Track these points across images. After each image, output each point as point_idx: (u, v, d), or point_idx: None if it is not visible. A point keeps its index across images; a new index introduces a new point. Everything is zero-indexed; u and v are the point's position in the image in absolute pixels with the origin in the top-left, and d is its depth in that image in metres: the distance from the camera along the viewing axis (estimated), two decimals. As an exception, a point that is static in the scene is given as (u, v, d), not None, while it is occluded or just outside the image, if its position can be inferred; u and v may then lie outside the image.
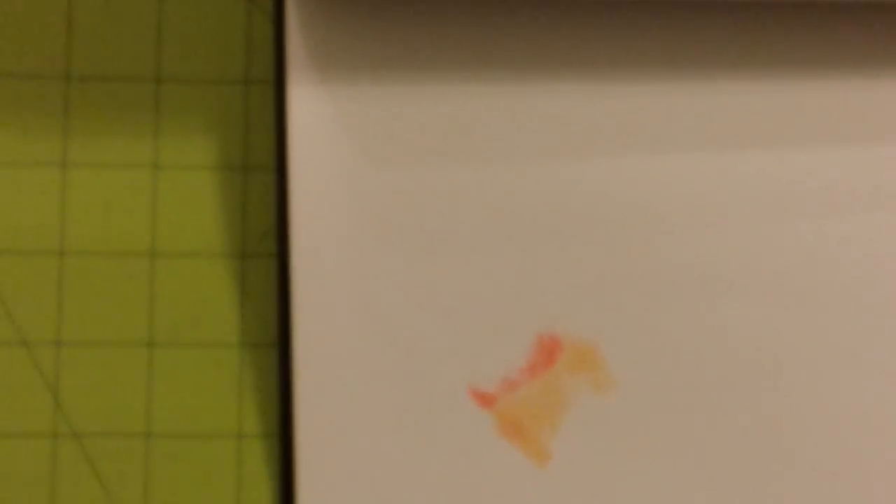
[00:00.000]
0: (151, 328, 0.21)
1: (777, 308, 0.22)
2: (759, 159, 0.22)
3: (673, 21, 0.22)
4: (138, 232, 0.21)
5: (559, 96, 0.22)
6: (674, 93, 0.22)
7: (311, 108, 0.21)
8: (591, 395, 0.21)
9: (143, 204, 0.21)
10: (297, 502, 0.20)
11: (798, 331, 0.22)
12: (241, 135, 0.22)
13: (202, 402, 0.21)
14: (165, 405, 0.21)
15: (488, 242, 0.22)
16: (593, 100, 0.22)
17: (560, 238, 0.22)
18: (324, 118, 0.21)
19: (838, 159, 0.22)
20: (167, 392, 0.21)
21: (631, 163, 0.22)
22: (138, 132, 0.21)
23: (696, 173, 0.22)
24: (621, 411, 0.21)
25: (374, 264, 0.21)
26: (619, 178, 0.22)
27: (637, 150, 0.22)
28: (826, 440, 0.21)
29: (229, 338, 0.21)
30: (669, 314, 0.22)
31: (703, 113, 0.22)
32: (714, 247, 0.22)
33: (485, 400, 0.21)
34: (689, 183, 0.22)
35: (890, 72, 0.22)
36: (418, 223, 0.21)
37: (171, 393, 0.21)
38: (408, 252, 0.21)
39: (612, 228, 0.22)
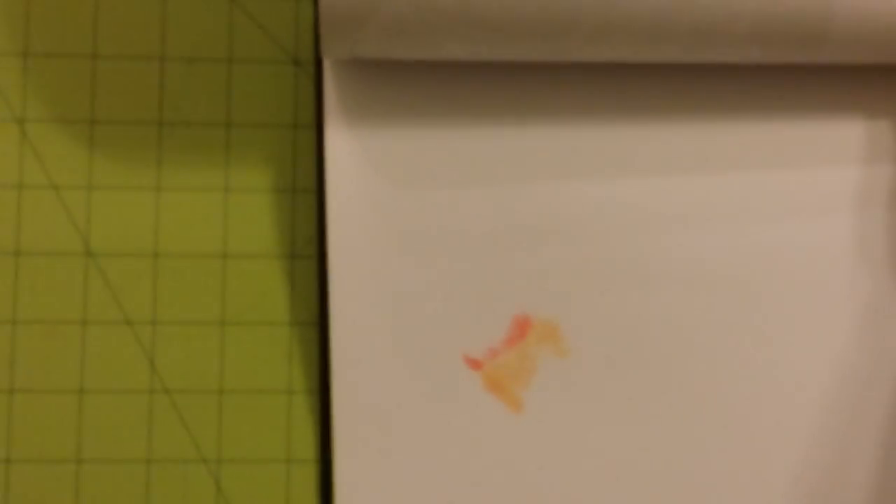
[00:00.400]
0: (224, 311, 0.28)
1: (698, 296, 0.28)
2: (692, 183, 0.28)
3: (636, 79, 0.28)
4: (214, 239, 0.28)
5: (541, 138, 0.28)
6: (634, 132, 0.28)
7: (342, 145, 0.28)
8: (553, 359, 0.28)
9: (218, 218, 0.28)
10: (334, 439, 0.27)
11: (712, 312, 0.28)
12: (290, 166, 0.28)
13: (262, 366, 0.27)
14: (235, 368, 0.27)
15: (479, 248, 0.28)
16: (564, 137, 0.28)
17: (531, 247, 0.28)
18: (352, 153, 0.28)
19: (750, 182, 0.29)
20: (236, 359, 0.27)
21: (592, 190, 0.28)
22: (213, 164, 0.28)
23: (642, 197, 0.28)
24: (575, 372, 0.28)
25: (392, 264, 0.27)
26: (581, 203, 0.28)
27: (598, 179, 0.28)
28: (729, 389, 0.28)
29: (282, 318, 0.28)
30: (612, 301, 0.28)
31: (655, 145, 0.28)
32: (649, 250, 0.28)
33: (474, 364, 0.27)
34: (634, 205, 0.28)
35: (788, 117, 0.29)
36: (425, 233, 0.28)
37: (239, 359, 0.27)
38: (417, 254, 0.28)
39: (571, 241, 0.28)
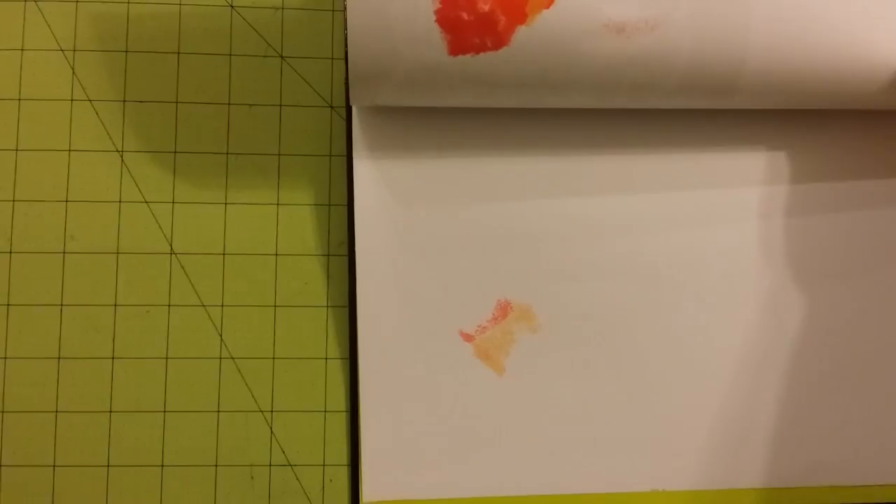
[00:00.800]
0: (276, 297, 0.35)
1: (637, 286, 0.34)
2: (633, 199, 0.34)
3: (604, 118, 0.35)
4: (268, 242, 0.35)
5: (515, 165, 0.34)
6: (590, 161, 0.34)
7: (366, 171, 0.34)
8: (527, 334, 0.34)
9: (271, 226, 0.36)
10: (360, 394, 0.34)
11: (647, 298, 0.34)
12: (326, 185, 0.36)
13: (305, 339, 0.35)
14: (284, 341, 0.35)
15: (471, 250, 0.34)
16: (533, 164, 0.34)
17: (511, 249, 0.34)
18: (373, 177, 0.34)
19: (678, 198, 0.35)
20: (285, 334, 0.35)
21: (557, 206, 0.34)
22: (268, 184, 0.35)
23: (595, 211, 0.34)
24: (544, 343, 0.34)
25: (404, 261, 0.34)
26: (549, 216, 0.34)
27: (561, 198, 0.34)
28: (659, 355, 0.34)
29: (320, 302, 0.35)
30: (572, 289, 0.34)
31: (604, 171, 0.34)
32: (600, 252, 0.34)
33: (467, 337, 0.34)
34: (588, 217, 0.34)
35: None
36: (429, 238, 0.34)
37: (287, 334, 0.35)
38: (424, 254, 0.34)
39: (542, 245, 0.34)
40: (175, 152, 0.35)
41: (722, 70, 0.30)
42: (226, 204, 0.35)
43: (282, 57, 0.36)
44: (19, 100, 0.35)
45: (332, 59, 0.36)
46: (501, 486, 0.34)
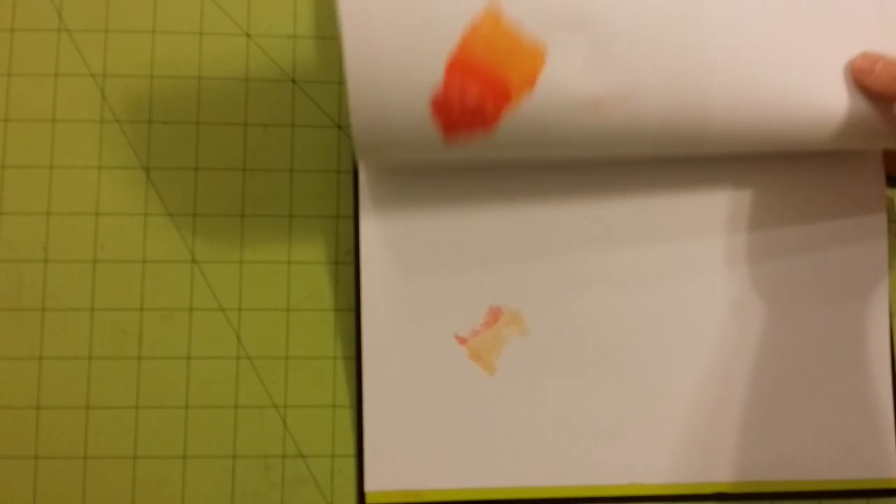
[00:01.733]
0: (289, 301, 0.38)
1: (616, 298, 0.37)
2: (606, 219, 0.37)
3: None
4: (281, 250, 0.38)
5: (509, 211, 0.37)
6: (584, 204, 0.37)
7: (371, 228, 0.37)
8: (517, 337, 0.37)
9: (284, 234, 0.39)
10: (364, 391, 0.37)
11: (624, 310, 0.37)
12: (335, 198, 0.39)
13: (315, 340, 0.38)
14: (296, 341, 0.38)
15: (465, 263, 0.37)
16: (532, 204, 0.37)
17: (502, 262, 0.37)
18: (377, 230, 0.37)
19: (643, 222, 0.37)
20: (297, 335, 0.38)
21: (555, 222, 0.37)
22: (281, 198, 0.38)
23: (571, 231, 0.37)
24: (532, 346, 0.37)
25: (403, 274, 0.37)
26: (544, 232, 0.37)
27: (559, 216, 0.37)
28: (635, 359, 0.37)
29: (329, 306, 0.38)
30: (556, 297, 0.37)
31: (602, 214, 0.37)
32: (581, 265, 0.37)
33: (461, 341, 0.37)
34: (567, 239, 0.37)
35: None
36: (428, 253, 0.37)
37: (299, 335, 0.38)
38: (423, 267, 0.37)
39: (529, 259, 0.37)
40: (196, 169, 0.39)
41: (690, 130, 0.33)
42: (242, 216, 0.38)
43: (294, 81, 0.39)
44: (53, 121, 0.39)
45: (340, 83, 0.39)
46: (492, 478, 0.37)
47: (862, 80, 0.33)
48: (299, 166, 0.39)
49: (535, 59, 0.31)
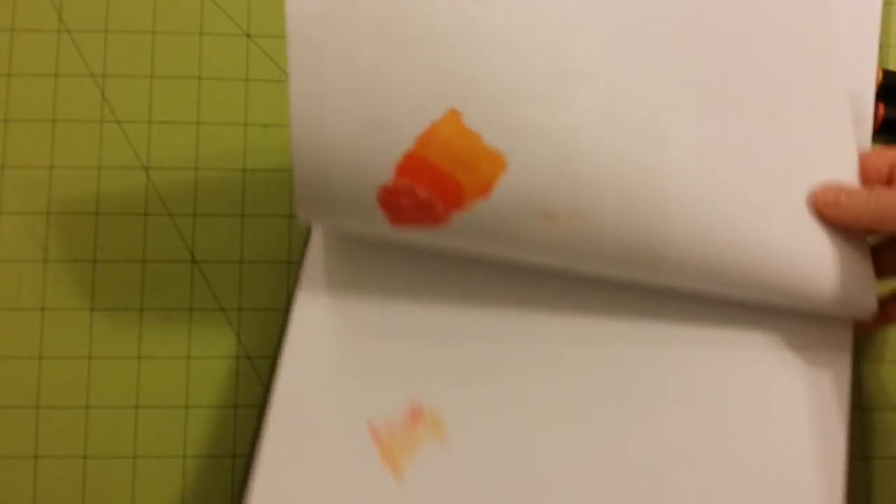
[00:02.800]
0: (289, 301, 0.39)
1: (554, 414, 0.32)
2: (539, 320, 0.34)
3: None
4: (281, 250, 0.39)
5: (455, 304, 0.33)
6: (536, 318, 0.33)
7: (311, 282, 0.33)
8: (433, 444, 0.32)
9: (284, 235, 0.39)
10: (262, 451, 0.31)
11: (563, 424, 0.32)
12: None
13: None
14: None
15: (399, 348, 0.33)
16: (481, 304, 0.33)
17: (435, 360, 0.33)
18: (317, 286, 0.33)
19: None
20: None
21: (500, 346, 0.33)
22: (281, 199, 0.39)
23: (527, 362, 0.33)
24: (448, 459, 0.32)
25: (332, 339, 0.33)
26: (482, 349, 0.33)
27: (503, 345, 0.33)
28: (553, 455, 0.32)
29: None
30: (485, 413, 0.32)
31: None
32: (517, 359, 0.33)
33: (374, 434, 0.32)
34: (520, 363, 0.33)
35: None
36: (360, 327, 0.33)
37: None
38: (350, 336, 0.33)
39: (465, 369, 0.33)
40: (196, 169, 0.39)
41: (647, 252, 0.31)
42: (243, 216, 0.39)
43: (294, 81, 0.39)
44: (53, 121, 0.39)
45: (340, 83, 0.39)
46: None
47: (829, 212, 0.32)
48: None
49: (494, 167, 0.29)
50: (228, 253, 0.38)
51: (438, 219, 0.30)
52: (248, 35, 0.40)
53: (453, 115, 0.29)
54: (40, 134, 0.39)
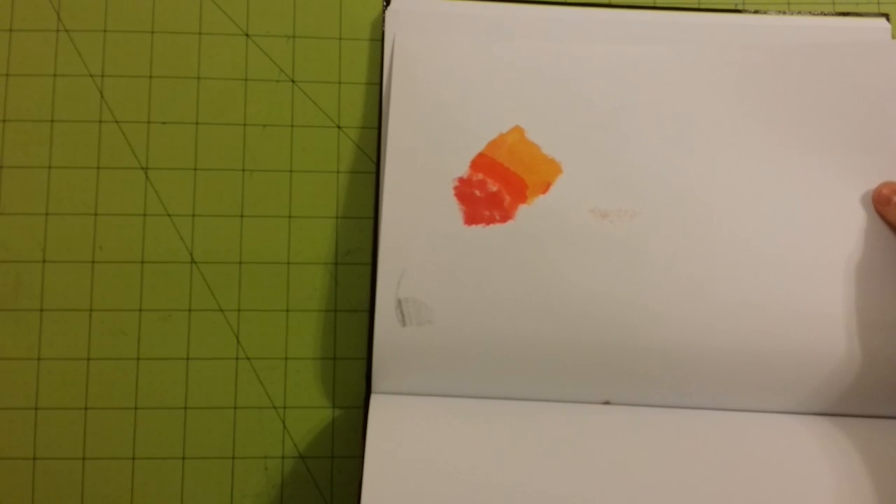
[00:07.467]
0: (289, 302, 0.38)
1: None
2: None
3: None
4: (281, 251, 0.38)
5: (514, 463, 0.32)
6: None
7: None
8: None
9: (283, 236, 0.39)
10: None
11: None
12: (334, 199, 0.39)
13: (314, 339, 0.38)
14: (296, 342, 0.38)
15: None
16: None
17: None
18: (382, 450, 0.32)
19: None
20: (296, 336, 0.38)
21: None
22: (280, 198, 0.39)
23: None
24: None
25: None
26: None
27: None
28: None
29: (329, 306, 0.38)
30: None
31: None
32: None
33: None
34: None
35: None
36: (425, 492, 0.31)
37: (299, 336, 0.38)
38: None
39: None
40: (195, 169, 0.39)
41: (694, 252, 0.35)
42: (241, 216, 0.38)
43: (293, 81, 0.39)
44: (52, 121, 0.39)
45: (340, 83, 0.39)
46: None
47: (880, 209, 0.33)
48: (299, 166, 0.39)
49: (552, 172, 0.37)
50: (227, 253, 0.38)
51: (507, 212, 0.36)
52: (247, 35, 0.40)
53: (517, 129, 0.37)
54: (39, 134, 0.38)
